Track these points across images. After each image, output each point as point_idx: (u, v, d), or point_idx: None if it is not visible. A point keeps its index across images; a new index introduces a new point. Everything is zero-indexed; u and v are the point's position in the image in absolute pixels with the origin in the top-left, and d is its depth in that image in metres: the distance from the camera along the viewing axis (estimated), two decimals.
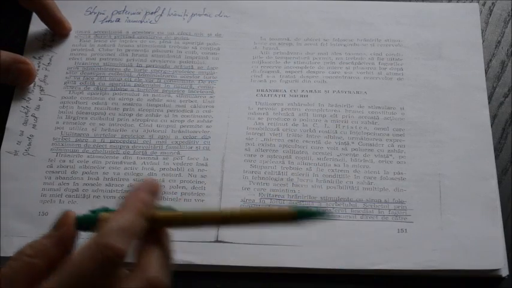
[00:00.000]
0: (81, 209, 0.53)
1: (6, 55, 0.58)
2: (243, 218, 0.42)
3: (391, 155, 0.56)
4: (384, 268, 0.52)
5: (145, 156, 0.57)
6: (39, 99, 0.59)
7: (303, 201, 0.54)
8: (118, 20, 0.64)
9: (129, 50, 0.62)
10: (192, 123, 0.58)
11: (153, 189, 0.42)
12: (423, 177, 0.55)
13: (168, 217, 0.41)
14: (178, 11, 0.64)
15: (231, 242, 0.53)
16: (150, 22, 0.63)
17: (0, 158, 0.56)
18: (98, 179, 0.56)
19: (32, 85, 0.60)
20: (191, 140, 0.57)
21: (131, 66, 0.61)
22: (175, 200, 0.55)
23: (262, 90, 0.60)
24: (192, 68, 0.61)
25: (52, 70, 0.61)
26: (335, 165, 0.56)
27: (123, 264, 0.38)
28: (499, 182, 0.55)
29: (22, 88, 0.60)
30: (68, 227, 0.40)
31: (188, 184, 0.55)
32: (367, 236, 0.53)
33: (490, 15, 0.63)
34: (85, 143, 0.57)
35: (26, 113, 0.59)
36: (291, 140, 0.57)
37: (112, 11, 0.64)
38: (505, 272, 0.52)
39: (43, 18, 0.62)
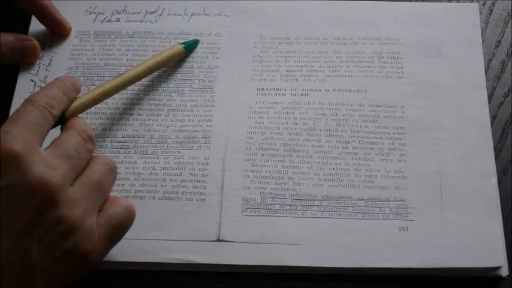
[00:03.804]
0: None
1: (8, 35, 0.59)
2: (143, 73, 0.57)
3: (391, 154, 0.56)
4: (386, 266, 0.52)
5: (146, 155, 0.57)
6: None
7: (304, 199, 0.54)
8: (118, 20, 0.64)
9: (129, 50, 0.62)
10: (192, 122, 0.58)
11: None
12: (424, 175, 0.55)
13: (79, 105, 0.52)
14: (178, 11, 0.64)
15: (233, 241, 0.53)
16: (150, 22, 0.64)
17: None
18: None
19: (33, 86, 0.60)
20: (192, 139, 0.57)
21: (131, 66, 0.61)
22: (177, 200, 0.55)
23: (262, 89, 0.60)
24: (192, 68, 0.61)
25: (52, 70, 0.61)
26: (336, 163, 0.56)
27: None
28: (499, 182, 0.55)
29: (28, 65, 0.60)
30: None
31: (189, 183, 0.55)
32: (368, 234, 0.53)
33: (490, 15, 0.63)
34: None
35: None
36: (292, 139, 0.57)
37: (112, 10, 0.64)
38: (505, 272, 0.52)
39: (42, 20, 0.62)
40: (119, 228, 0.48)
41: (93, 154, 0.49)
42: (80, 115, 0.52)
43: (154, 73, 0.60)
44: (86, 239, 0.45)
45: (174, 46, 0.60)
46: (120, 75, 0.56)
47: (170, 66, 0.61)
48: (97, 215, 0.47)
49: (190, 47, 0.61)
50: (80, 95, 0.53)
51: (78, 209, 0.45)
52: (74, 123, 0.50)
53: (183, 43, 0.61)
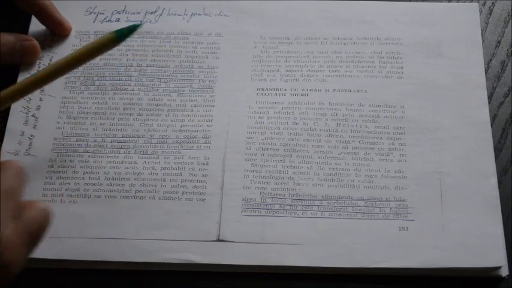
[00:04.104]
0: (83, 209, 0.54)
1: (8, 35, 0.59)
2: (70, 64, 0.54)
3: (391, 154, 0.56)
4: (386, 266, 0.52)
5: (146, 155, 0.57)
6: (40, 100, 0.59)
7: (304, 199, 0.54)
8: (118, 20, 0.64)
9: (129, 50, 0.62)
10: (192, 122, 0.58)
11: None
12: (424, 175, 0.55)
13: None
14: (178, 11, 0.64)
15: (233, 241, 0.53)
16: (150, 22, 0.64)
17: (1, 159, 0.56)
18: (98, 178, 0.56)
19: None
20: (192, 139, 0.57)
21: (131, 66, 0.61)
22: (177, 200, 0.55)
23: (262, 89, 0.60)
24: (192, 68, 0.61)
25: None
26: (336, 163, 0.56)
27: None
28: (499, 182, 0.55)
29: (28, 65, 0.60)
30: None
31: (189, 183, 0.55)
32: (368, 234, 0.53)
33: (490, 15, 0.63)
34: (86, 142, 0.57)
35: (26, 113, 0.59)
36: (292, 139, 0.57)
37: (112, 10, 0.64)
38: (505, 272, 0.52)
39: (42, 20, 0.62)
40: (38, 232, 0.46)
41: None
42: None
43: (155, 73, 0.60)
44: (6, 250, 0.43)
45: (107, 34, 0.54)
46: (50, 64, 0.56)
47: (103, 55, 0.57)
48: (14, 222, 0.45)
49: (122, 32, 0.53)
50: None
51: None
52: None
53: (116, 30, 0.54)
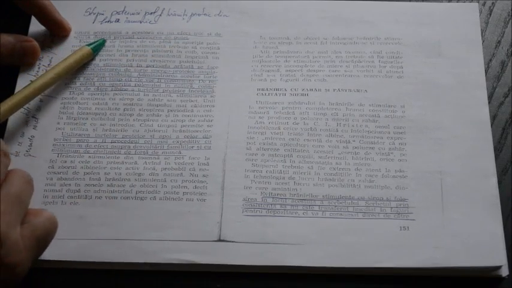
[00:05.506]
0: (83, 210, 0.54)
1: (7, 36, 0.59)
2: (53, 79, 0.58)
3: (392, 153, 0.56)
4: (386, 266, 0.52)
5: (147, 156, 0.57)
6: (40, 100, 0.59)
7: (304, 199, 0.54)
8: (117, 21, 0.64)
9: (129, 51, 0.62)
10: (193, 122, 0.58)
11: None
12: (424, 174, 0.55)
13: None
14: (178, 11, 0.64)
15: (233, 241, 0.53)
16: (149, 22, 0.63)
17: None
18: (99, 179, 0.56)
19: None
20: (192, 139, 0.57)
21: (131, 66, 0.61)
22: (178, 200, 0.55)
23: (262, 89, 0.60)
24: (192, 68, 0.61)
25: None
26: (336, 163, 0.56)
27: None
28: (499, 182, 0.55)
29: (28, 66, 0.60)
30: None
31: (190, 184, 0.55)
32: (369, 234, 0.53)
33: (490, 15, 0.63)
34: (86, 143, 0.57)
35: (26, 114, 0.58)
36: (292, 139, 0.57)
37: (111, 11, 0.64)
38: (505, 272, 0.52)
39: (42, 21, 0.62)
40: (43, 238, 0.48)
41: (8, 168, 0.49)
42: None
43: (154, 73, 0.60)
44: (12, 251, 0.45)
45: (82, 48, 0.60)
46: (28, 85, 0.57)
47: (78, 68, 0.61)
48: (20, 227, 0.46)
49: (97, 47, 0.61)
50: None
51: (1, 223, 0.44)
52: None
53: (89, 44, 0.61)
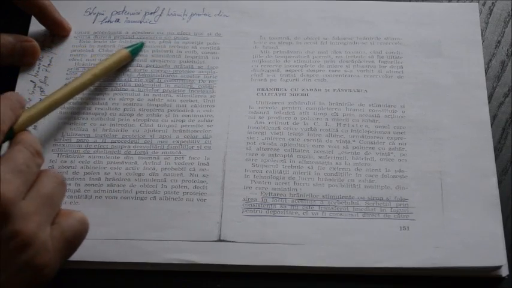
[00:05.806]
0: (83, 210, 0.54)
1: (7, 36, 0.59)
2: (90, 80, 0.57)
3: (392, 153, 0.56)
4: (386, 266, 0.52)
5: (147, 156, 0.57)
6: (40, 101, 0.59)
7: (304, 199, 0.55)
8: (117, 21, 0.64)
9: None
10: (193, 122, 0.58)
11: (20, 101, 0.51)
12: (425, 174, 0.55)
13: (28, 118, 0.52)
14: (178, 11, 0.64)
15: (233, 241, 0.53)
16: (149, 22, 0.63)
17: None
18: (99, 179, 0.56)
19: (32, 87, 0.60)
20: (192, 139, 0.57)
21: (131, 66, 0.61)
22: (178, 200, 0.55)
23: (262, 89, 0.60)
24: (192, 68, 0.61)
25: (52, 71, 0.61)
26: (336, 163, 0.56)
27: None
28: (499, 182, 0.55)
29: (28, 66, 0.60)
30: None
31: (190, 184, 0.55)
32: (369, 234, 0.53)
33: (490, 15, 0.63)
34: (86, 143, 0.57)
35: None
36: (292, 139, 0.57)
37: (111, 11, 0.64)
38: (505, 272, 0.52)
39: (42, 21, 0.62)
40: (73, 240, 0.48)
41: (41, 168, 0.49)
42: (29, 128, 0.52)
43: (154, 73, 0.60)
44: (41, 252, 0.45)
45: (120, 51, 0.60)
46: (66, 85, 0.56)
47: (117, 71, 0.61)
48: (50, 228, 0.46)
49: (135, 50, 0.61)
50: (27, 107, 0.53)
51: (31, 223, 0.44)
52: (21, 138, 0.49)
53: (128, 47, 0.61)
